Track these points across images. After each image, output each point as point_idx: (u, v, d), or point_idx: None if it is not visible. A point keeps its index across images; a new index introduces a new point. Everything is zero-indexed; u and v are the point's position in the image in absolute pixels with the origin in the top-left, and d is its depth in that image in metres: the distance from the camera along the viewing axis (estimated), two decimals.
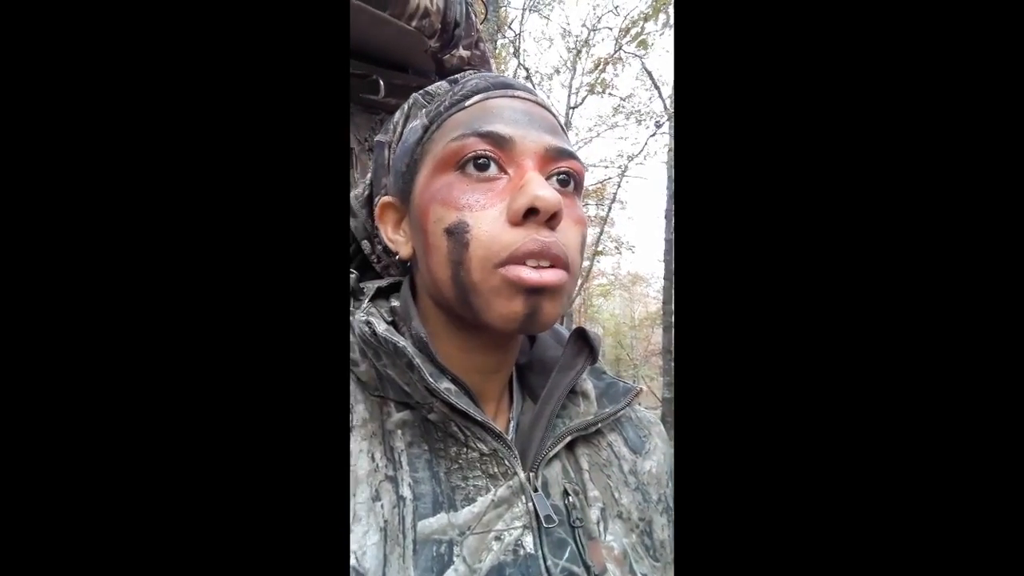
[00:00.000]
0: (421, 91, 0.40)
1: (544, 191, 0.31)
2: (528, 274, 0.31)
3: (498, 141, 0.33)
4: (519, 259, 0.31)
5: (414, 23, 0.59)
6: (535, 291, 0.31)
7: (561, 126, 0.38)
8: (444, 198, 0.33)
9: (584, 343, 0.41)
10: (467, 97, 0.36)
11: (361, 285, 0.39)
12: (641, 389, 0.43)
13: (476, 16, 0.73)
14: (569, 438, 0.38)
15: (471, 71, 0.40)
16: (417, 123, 0.37)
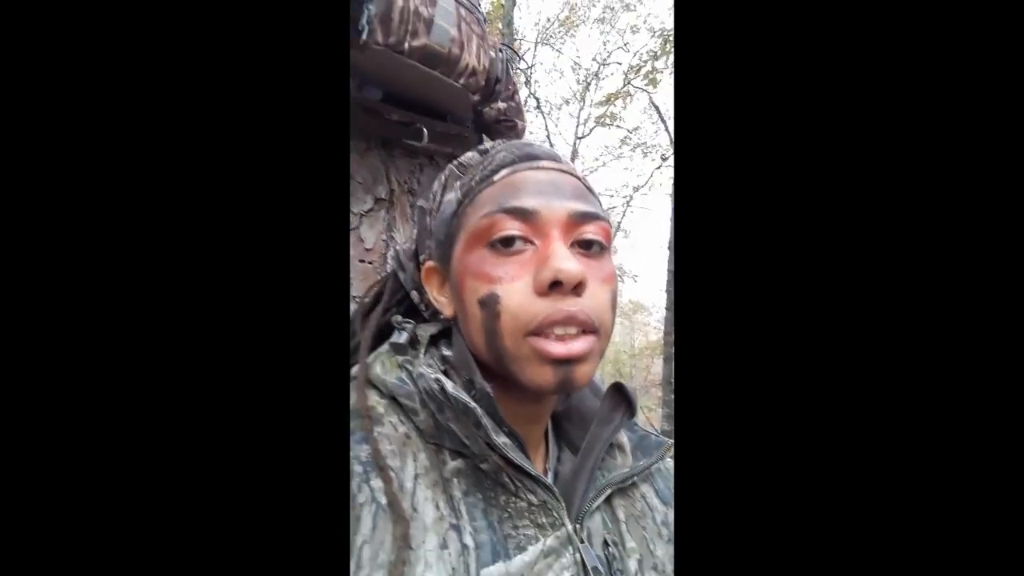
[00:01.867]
0: (456, 162, 0.42)
1: (567, 263, 0.34)
2: (555, 348, 0.34)
3: (523, 215, 0.35)
4: (547, 327, 0.34)
5: (462, 81, 0.63)
6: (564, 361, 0.34)
7: (588, 187, 0.40)
8: (476, 271, 0.36)
9: (621, 397, 0.43)
10: (495, 172, 0.38)
11: (417, 332, 0.41)
12: (672, 444, 0.45)
13: (513, 68, 0.77)
14: (609, 491, 0.39)
15: (500, 141, 0.43)
16: (452, 196, 0.40)
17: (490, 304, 0.35)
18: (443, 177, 0.42)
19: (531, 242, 0.36)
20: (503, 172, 0.38)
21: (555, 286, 0.34)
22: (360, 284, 0.64)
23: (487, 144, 0.43)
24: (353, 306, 0.49)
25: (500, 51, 0.69)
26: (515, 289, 0.34)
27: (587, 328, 0.34)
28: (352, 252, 0.64)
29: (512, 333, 0.34)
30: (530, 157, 0.39)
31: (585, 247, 0.37)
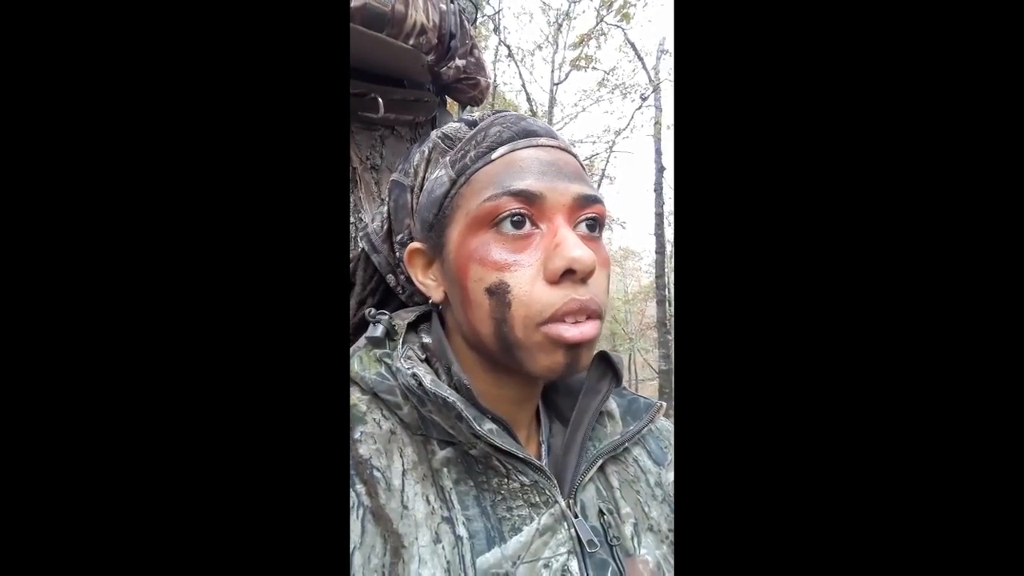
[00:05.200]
0: (440, 134, 0.39)
1: (579, 251, 0.32)
2: (569, 332, 0.33)
3: (529, 198, 0.34)
4: (559, 318, 0.33)
5: (411, 41, 0.58)
6: (575, 345, 0.33)
7: (582, 165, 0.38)
8: (482, 258, 0.34)
9: (607, 366, 0.42)
10: (492, 149, 0.36)
11: (393, 323, 0.39)
12: (663, 405, 0.44)
13: (468, 22, 0.72)
14: (600, 461, 0.39)
15: (489, 113, 0.39)
16: (443, 174, 0.37)
17: (499, 293, 0.33)
18: (425, 150, 0.39)
19: (537, 226, 0.34)
20: (502, 150, 0.36)
21: (567, 274, 0.33)
22: None
23: (474, 115, 0.40)
24: None
25: (452, 3, 0.64)
26: (525, 277, 0.33)
27: (594, 315, 0.34)
28: None
29: (523, 322, 0.33)
30: (528, 133, 0.37)
31: (587, 231, 0.36)
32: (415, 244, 0.39)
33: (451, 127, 0.39)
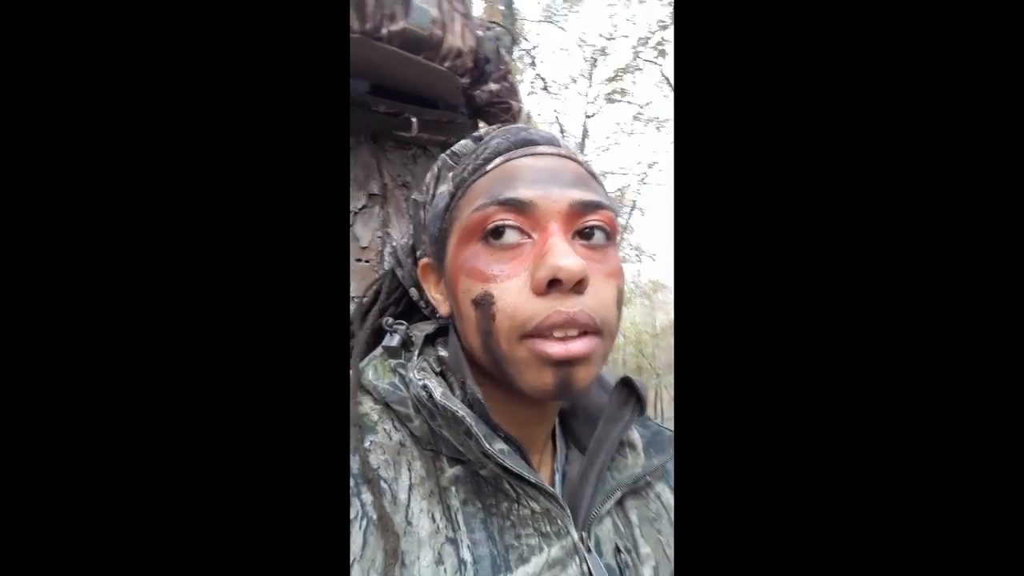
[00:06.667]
0: (449, 151, 0.40)
1: (566, 260, 0.30)
2: (554, 348, 0.31)
3: (519, 206, 0.32)
4: (545, 330, 0.31)
5: (447, 64, 0.60)
6: (564, 362, 0.31)
7: (590, 172, 0.37)
8: (470, 269, 0.33)
9: (630, 392, 0.40)
10: (488, 160, 0.35)
11: (410, 334, 0.39)
12: None
13: (504, 49, 0.74)
14: (619, 494, 0.37)
15: (495, 127, 0.39)
16: (445, 188, 0.37)
17: (484, 304, 0.32)
18: (436, 168, 0.40)
19: (529, 236, 0.33)
20: (497, 160, 0.35)
21: (554, 284, 0.31)
22: (358, 284, 0.62)
23: (482, 131, 0.40)
24: (352, 306, 0.47)
25: (488, 29, 0.66)
26: (511, 288, 0.32)
27: (589, 329, 0.31)
28: None
29: (508, 335, 0.31)
30: (526, 143, 0.36)
31: (587, 239, 0.33)
32: (425, 260, 0.39)
33: (459, 144, 0.39)
